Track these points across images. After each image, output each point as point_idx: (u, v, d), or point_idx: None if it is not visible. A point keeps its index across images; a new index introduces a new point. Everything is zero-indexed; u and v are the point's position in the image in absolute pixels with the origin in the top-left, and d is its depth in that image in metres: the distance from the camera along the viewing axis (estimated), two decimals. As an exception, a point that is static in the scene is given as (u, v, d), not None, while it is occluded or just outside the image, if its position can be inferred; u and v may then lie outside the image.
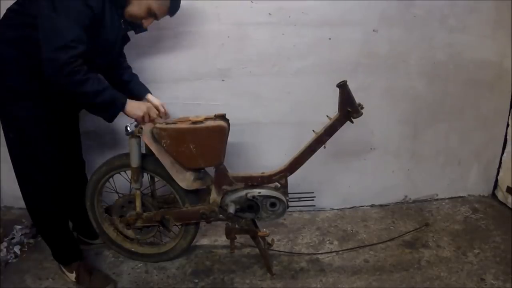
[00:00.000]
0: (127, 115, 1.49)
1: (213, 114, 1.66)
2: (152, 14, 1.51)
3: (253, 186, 1.66)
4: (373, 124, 2.13)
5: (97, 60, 1.46)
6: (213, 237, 1.99)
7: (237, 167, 1.88)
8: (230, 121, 1.67)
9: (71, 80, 1.29)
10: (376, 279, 1.66)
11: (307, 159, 1.63)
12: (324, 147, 1.61)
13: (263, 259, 1.72)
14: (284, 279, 1.67)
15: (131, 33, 1.68)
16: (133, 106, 1.49)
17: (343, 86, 1.50)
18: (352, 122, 1.56)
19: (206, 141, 1.56)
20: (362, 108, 1.55)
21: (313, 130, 1.63)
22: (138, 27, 1.60)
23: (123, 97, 1.47)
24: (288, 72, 2.01)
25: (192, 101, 2.03)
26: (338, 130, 1.58)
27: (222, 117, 1.65)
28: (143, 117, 1.51)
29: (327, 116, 1.62)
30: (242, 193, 1.64)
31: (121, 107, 1.45)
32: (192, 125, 1.55)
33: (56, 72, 1.26)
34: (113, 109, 1.44)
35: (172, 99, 2.02)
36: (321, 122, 1.62)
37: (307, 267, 1.75)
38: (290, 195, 1.68)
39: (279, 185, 1.67)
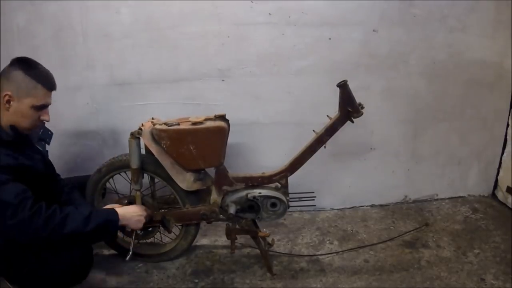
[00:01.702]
0: (127, 228, 1.48)
1: (213, 115, 1.65)
2: (39, 107, 1.33)
3: (254, 187, 1.65)
4: (373, 124, 2.13)
5: (43, 194, 1.33)
6: (213, 237, 1.99)
7: (237, 167, 1.88)
8: (230, 122, 1.67)
9: (51, 226, 1.21)
10: (376, 279, 1.66)
11: (308, 159, 1.63)
12: (325, 147, 1.61)
13: (263, 259, 1.72)
14: (284, 279, 1.67)
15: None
16: (129, 219, 1.45)
17: (343, 86, 1.50)
18: (352, 122, 1.56)
19: (206, 142, 1.56)
20: (362, 107, 1.55)
21: (314, 130, 1.63)
22: (46, 138, 1.55)
23: (112, 212, 1.40)
24: (288, 72, 2.01)
25: (192, 101, 2.03)
26: (339, 130, 1.58)
27: (222, 117, 1.65)
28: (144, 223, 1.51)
29: (327, 116, 1.62)
30: (243, 193, 1.64)
31: (116, 222, 1.38)
32: (192, 126, 1.54)
33: (32, 229, 1.19)
34: (111, 227, 1.38)
35: (172, 99, 2.03)
36: (321, 122, 1.62)
37: (307, 267, 1.75)
38: (290, 195, 1.68)
39: (279, 185, 1.67)
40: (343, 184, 2.24)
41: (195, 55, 1.96)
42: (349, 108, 1.52)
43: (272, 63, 1.99)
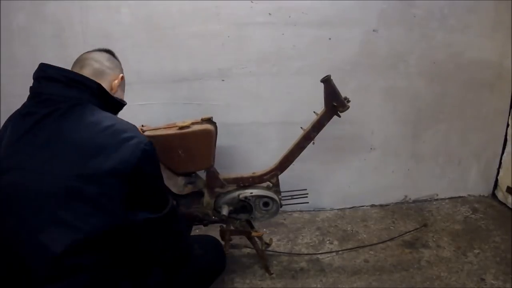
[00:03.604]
0: None
1: (200, 118, 1.66)
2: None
3: (245, 187, 1.66)
4: (373, 124, 2.13)
5: None
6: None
7: (238, 167, 1.89)
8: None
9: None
10: (376, 279, 1.66)
11: (297, 157, 1.63)
12: (313, 143, 1.60)
13: (260, 259, 1.72)
14: (284, 279, 1.67)
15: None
16: None
17: (327, 81, 1.50)
18: (339, 116, 1.55)
19: (193, 146, 1.57)
20: (348, 101, 1.54)
21: (301, 127, 1.63)
22: None
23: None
24: (288, 72, 2.01)
25: (192, 101, 2.03)
26: (325, 126, 1.57)
27: (209, 120, 1.65)
28: None
29: (314, 112, 1.61)
30: (235, 194, 1.64)
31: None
32: (178, 131, 1.55)
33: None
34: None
35: (172, 99, 2.03)
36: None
37: (307, 267, 1.75)
38: (282, 194, 1.68)
39: (271, 184, 1.68)
40: (343, 184, 2.24)
41: (195, 55, 1.96)
42: (334, 102, 1.51)
43: (272, 63, 1.99)
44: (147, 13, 1.90)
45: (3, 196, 0.90)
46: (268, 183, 1.67)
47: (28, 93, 1.04)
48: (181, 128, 1.56)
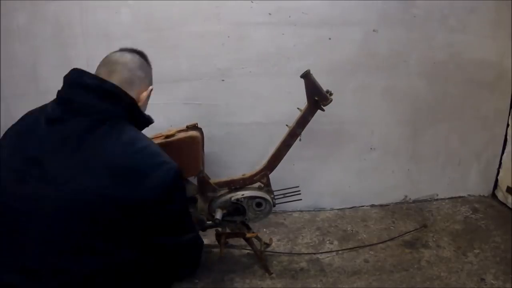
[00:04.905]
0: None
1: (185, 125, 1.66)
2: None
3: (237, 189, 1.66)
4: (373, 124, 2.13)
5: None
6: (213, 237, 1.98)
7: (238, 167, 1.88)
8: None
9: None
10: (376, 279, 1.66)
11: (285, 155, 1.63)
12: (300, 139, 1.60)
13: (258, 259, 1.72)
14: (284, 279, 1.67)
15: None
16: None
17: (306, 76, 1.49)
18: (323, 110, 1.54)
19: (180, 153, 1.56)
20: (331, 94, 1.53)
21: (287, 125, 1.62)
22: None
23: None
24: (288, 72, 2.00)
25: (192, 101, 2.03)
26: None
27: (194, 127, 1.66)
28: None
29: (298, 108, 1.61)
30: (227, 197, 1.65)
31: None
32: (164, 140, 1.56)
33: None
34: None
35: (172, 99, 2.03)
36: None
37: (307, 267, 1.75)
38: (275, 192, 1.68)
39: (262, 185, 1.68)
40: (343, 184, 2.24)
41: (195, 55, 1.96)
42: (315, 97, 1.51)
43: (272, 63, 1.99)
44: (147, 13, 1.90)
45: (22, 207, 0.82)
46: (259, 183, 1.67)
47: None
48: (167, 137, 1.57)
